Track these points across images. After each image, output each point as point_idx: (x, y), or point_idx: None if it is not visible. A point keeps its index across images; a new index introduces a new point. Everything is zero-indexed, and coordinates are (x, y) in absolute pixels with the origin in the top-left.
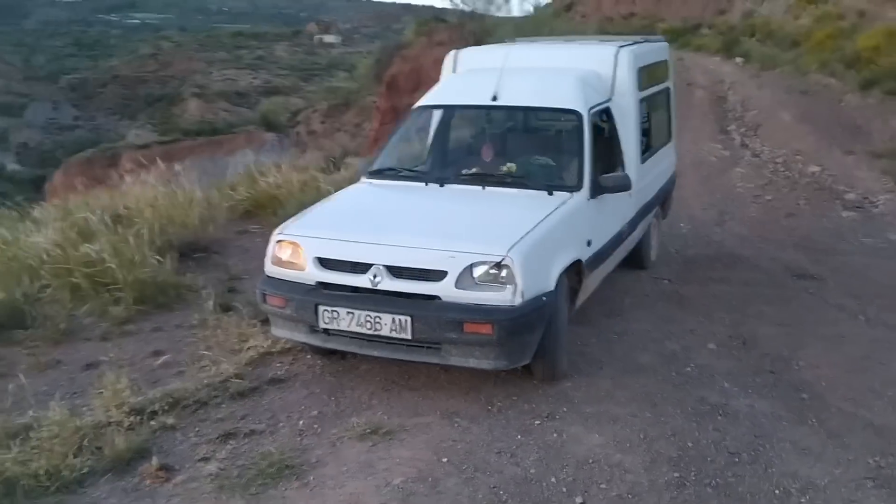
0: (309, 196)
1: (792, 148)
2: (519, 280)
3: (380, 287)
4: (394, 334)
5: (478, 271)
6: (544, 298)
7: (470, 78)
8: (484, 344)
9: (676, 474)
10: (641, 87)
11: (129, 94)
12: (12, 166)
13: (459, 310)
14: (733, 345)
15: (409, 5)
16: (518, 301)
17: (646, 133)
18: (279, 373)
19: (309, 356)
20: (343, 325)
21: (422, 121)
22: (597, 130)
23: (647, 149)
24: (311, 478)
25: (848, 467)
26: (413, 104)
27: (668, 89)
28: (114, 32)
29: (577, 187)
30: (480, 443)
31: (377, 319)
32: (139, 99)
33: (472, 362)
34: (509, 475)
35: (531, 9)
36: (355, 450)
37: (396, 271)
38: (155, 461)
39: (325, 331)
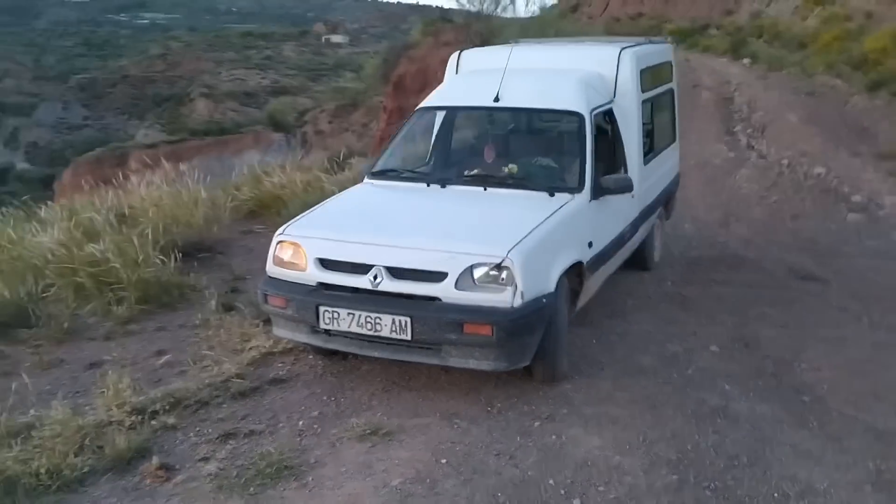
0: (313, 196)
1: (798, 149)
2: (519, 281)
3: (380, 288)
4: (394, 335)
5: (478, 272)
6: (544, 300)
7: (472, 79)
8: (483, 345)
9: (675, 477)
10: (644, 89)
11: (138, 93)
12: (22, 165)
13: (459, 311)
14: (735, 347)
15: (416, 5)
16: (518, 302)
17: (649, 134)
18: (281, 373)
19: (311, 356)
20: (343, 326)
21: (425, 122)
22: (599, 132)
23: (650, 150)
24: (310, 478)
25: (847, 471)
26: (420, 104)
27: (671, 91)
28: (123, 32)
29: (578, 189)
30: (479, 444)
31: (377, 320)
32: (148, 99)
33: (471, 363)
34: (507, 477)
35: (537, 10)
36: (354, 450)
37: (397, 272)
38: (155, 460)
39: (326, 331)
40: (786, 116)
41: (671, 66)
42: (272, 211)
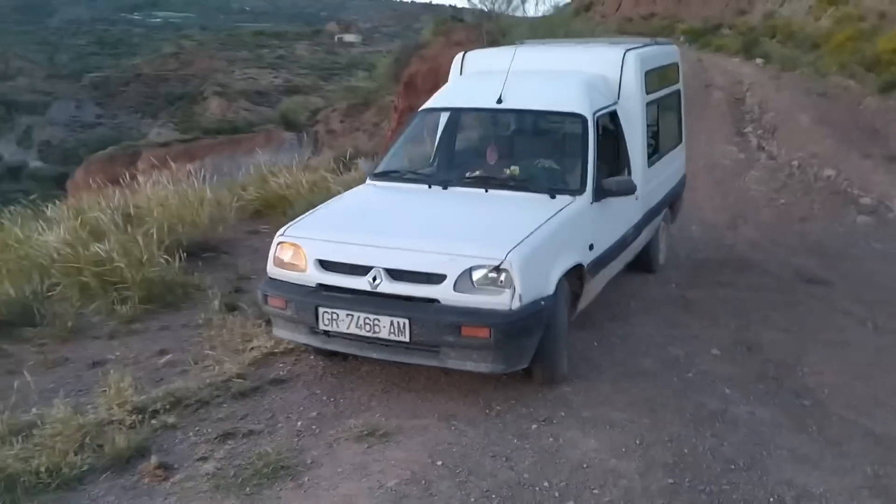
0: (318, 196)
1: (809, 151)
2: (517, 284)
3: (379, 289)
4: (392, 337)
5: (477, 275)
6: (543, 302)
7: (475, 81)
8: (481, 347)
9: (670, 480)
10: (649, 91)
11: (151, 92)
12: (35, 163)
13: (457, 313)
14: (737, 350)
15: (429, 4)
16: (516, 305)
17: (654, 136)
18: (281, 373)
19: (311, 357)
20: (342, 327)
21: (428, 123)
22: (602, 134)
23: (655, 152)
24: (306, 478)
25: (845, 476)
26: (422, 105)
27: (677, 92)
28: (136, 31)
29: (579, 191)
30: (476, 446)
31: (376, 321)
32: (161, 97)
33: (469, 365)
34: (503, 479)
35: (549, 9)
36: (351, 451)
37: (396, 274)
38: (154, 460)
39: (325, 332)
40: (797, 117)
41: (677, 67)
42: (277, 211)
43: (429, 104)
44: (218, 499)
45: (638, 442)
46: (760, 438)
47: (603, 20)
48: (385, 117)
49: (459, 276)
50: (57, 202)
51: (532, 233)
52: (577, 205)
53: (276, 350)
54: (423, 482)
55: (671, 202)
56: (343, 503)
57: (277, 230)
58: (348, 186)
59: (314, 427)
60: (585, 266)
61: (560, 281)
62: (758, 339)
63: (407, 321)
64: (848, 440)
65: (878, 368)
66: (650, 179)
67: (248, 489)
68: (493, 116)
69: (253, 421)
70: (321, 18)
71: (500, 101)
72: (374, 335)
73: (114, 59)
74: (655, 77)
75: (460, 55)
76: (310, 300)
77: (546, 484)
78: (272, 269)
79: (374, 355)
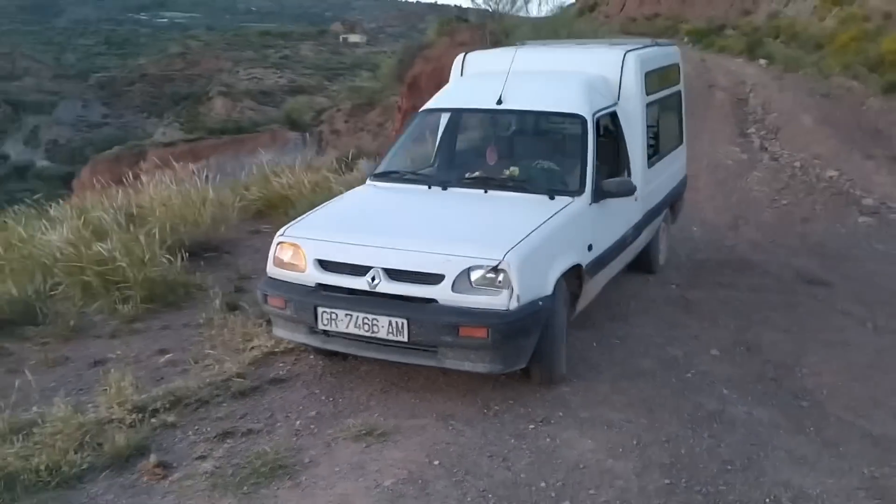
0: (320, 196)
1: (811, 152)
2: (515, 284)
3: (378, 289)
4: (390, 336)
5: (475, 275)
6: (541, 303)
7: (476, 81)
8: (479, 347)
9: (667, 481)
10: (649, 92)
11: (157, 92)
12: (42, 163)
13: (455, 313)
14: (736, 351)
15: (434, 4)
16: (514, 305)
17: (654, 137)
18: (281, 373)
19: (311, 357)
20: (341, 327)
21: (428, 124)
22: (602, 135)
23: (656, 153)
24: (304, 478)
25: (841, 477)
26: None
27: (678, 93)
28: (143, 31)
29: (578, 192)
30: (473, 446)
31: (374, 321)
32: (167, 97)
33: (467, 365)
34: (499, 479)
35: (553, 9)
36: (349, 451)
37: (394, 274)
38: (153, 458)
39: (325, 332)
40: (800, 118)
41: (678, 68)
42: (280, 211)
43: (429, 105)
44: (215, 497)
45: (635, 442)
46: (758, 439)
47: (607, 20)
48: (389, 117)
49: (457, 277)
50: (60, 201)
51: (530, 233)
52: (575, 205)
53: (277, 349)
54: (420, 482)
55: (672, 203)
56: (339, 502)
57: (279, 230)
58: (350, 187)
59: (313, 426)
60: (584, 266)
61: (558, 281)
62: (757, 340)
63: (405, 321)
64: (846, 441)
65: (877, 369)
66: (650, 180)
67: (245, 488)
68: (492, 117)
69: (252, 420)
70: (326, 19)
71: (500, 101)
72: (373, 335)
73: (120, 59)
74: (656, 78)
75: (461, 56)
76: (309, 300)
77: (542, 484)
78: (272, 269)
79: (373, 355)
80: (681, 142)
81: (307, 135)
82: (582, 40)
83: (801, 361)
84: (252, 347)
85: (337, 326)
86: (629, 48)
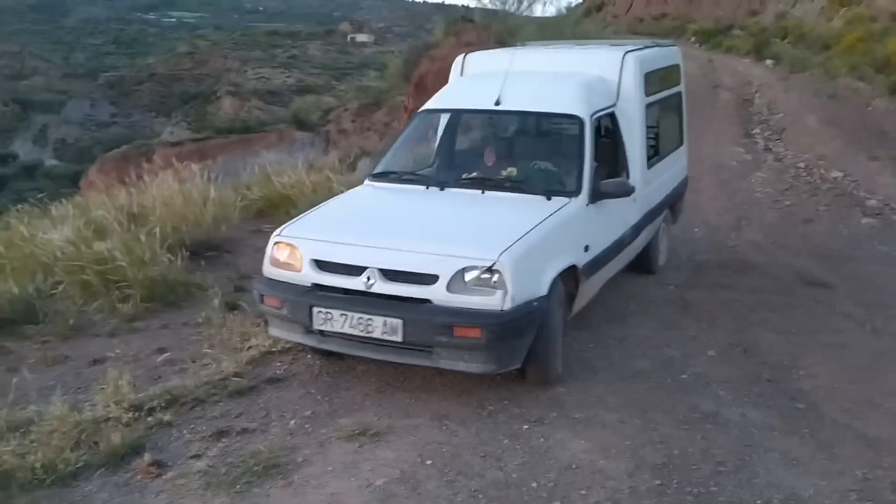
0: (321, 196)
1: (816, 152)
2: (509, 285)
3: (373, 290)
4: (385, 336)
5: (469, 275)
6: (535, 303)
7: (475, 82)
8: (473, 348)
9: (658, 482)
10: (648, 93)
11: (165, 91)
12: (50, 162)
13: (450, 313)
14: (734, 352)
15: (442, 4)
16: (508, 306)
17: (654, 138)
18: (278, 372)
19: (309, 356)
20: (336, 327)
21: (427, 124)
22: (601, 135)
23: (655, 154)
24: (296, 477)
25: (834, 479)
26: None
27: (679, 94)
28: (151, 31)
29: (575, 192)
30: (466, 446)
31: (369, 322)
32: (175, 96)
33: (461, 366)
34: (491, 479)
35: (562, 9)
36: (342, 450)
37: (390, 274)
38: (147, 457)
39: (320, 332)
40: (805, 119)
41: (679, 69)
42: (281, 211)
43: (428, 105)
44: (208, 496)
45: (628, 443)
46: (751, 441)
47: (614, 20)
48: (396, 117)
49: (452, 277)
50: (63, 201)
51: (525, 234)
52: (572, 206)
53: (274, 349)
54: (412, 481)
55: (672, 204)
56: (331, 502)
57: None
58: (351, 187)
59: (307, 426)
60: (580, 267)
61: (554, 282)
62: (755, 342)
63: (400, 321)
64: (840, 443)
65: (874, 371)
66: (650, 181)
67: (238, 487)
68: (491, 118)
69: (247, 419)
70: (334, 18)
71: (498, 102)
72: (368, 335)
73: (129, 58)
74: (655, 79)
75: (461, 57)
76: (304, 300)
77: (534, 484)
78: (268, 269)
79: (368, 355)
80: (681, 143)
81: (314, 134)
82: (582, 41)
83: (799, 363)
84: (250, 347)
85: (332, 326)
86: (629, 49)
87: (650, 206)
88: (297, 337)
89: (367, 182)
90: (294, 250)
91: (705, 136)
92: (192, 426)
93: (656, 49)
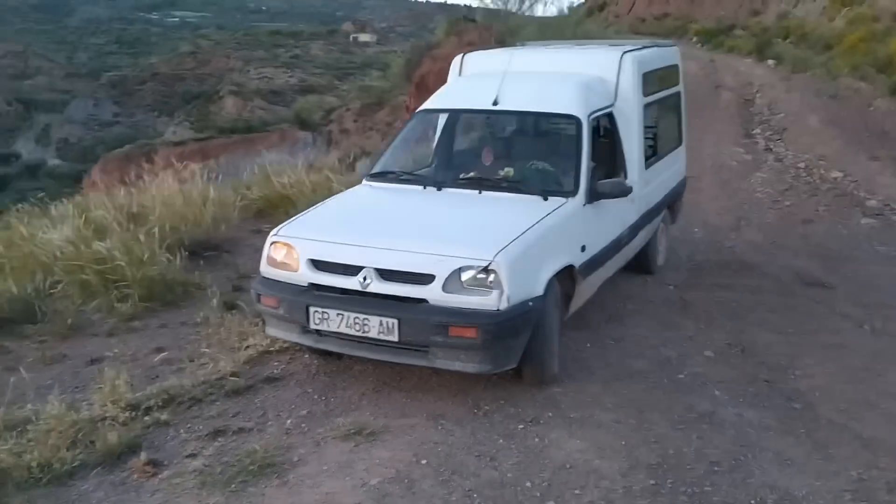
0: (321, 196)
1: (816, 153)
2: (505, 285)
3: (369, 289)
4: (381, 336)
5: (465, 275)
6: (531, 303)
7: (473, 82)
8: (469, 347)
9: (652, 482)
10: (647, 93)
11: (168, 91)
12: (53, 161)
13: (445, 313)
14: (731, 352)
15: (444, 4)
16: (504, 305)
17: (652, 138)
18: (275, 371)
19: (306, 356)
20: (333, 327)
21: (425, 124)
22: (598, 135)
23: (654, 154)
24: (291, 476)
25: (829, 479)
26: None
27: (678, 94)
28: (154, 30)
29: (572, 192)
30: (462, 445)
31: (365, 321)
32: (177, 96)
33: (457, 365)
34: (486, 478)
35: (562, 9)
36: (338, 449)
37: (386, 274)
38: (143, 456)
39: (317, 331)
40: (806, 119)
41: (677, 69)
42: (280, 210)
43: (426, 105)
44: (203, 495)
45: (623, 443)
46: (747, 441)
47: (616, 20)
48: (398, 117)
49: (448, 277)
50: (64, 200)
51: (521, 234)
52: (569, 206)
53: (272, 348)
54: (407, 481)
55: (671, 204)
56: (325, 501)
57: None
58: (351, 186)
59: (303, 425)
60: (577, 267)
61: (550, 282)
62: (752, 342)
63: (396, 321)
64: (836, 443)
65: (871, 372)
66: (648, 181)
67: (233, 486)
68: (489, 118)
69: (244, 418)
70: (337, 18)
71: (496, 102)
72: (364, 335)
73: (131, 58)
74: (654, 79)
75: (459, 56)
76: (301, 299)
77: (528, 484)
78: (265, 269)
79: (365, 355)
80: (680, 143)
81: (316, 134)
82: (581, 41)
83: (796, 363)
84: (248, 346)
85: (328, 326)
86: (627, 49)
87: (648, 207)
88: (294, 336)
89: (364, 182)
90: (291, 250)
91: (706, 136)
92: (188, 425)
93: (655, 49)
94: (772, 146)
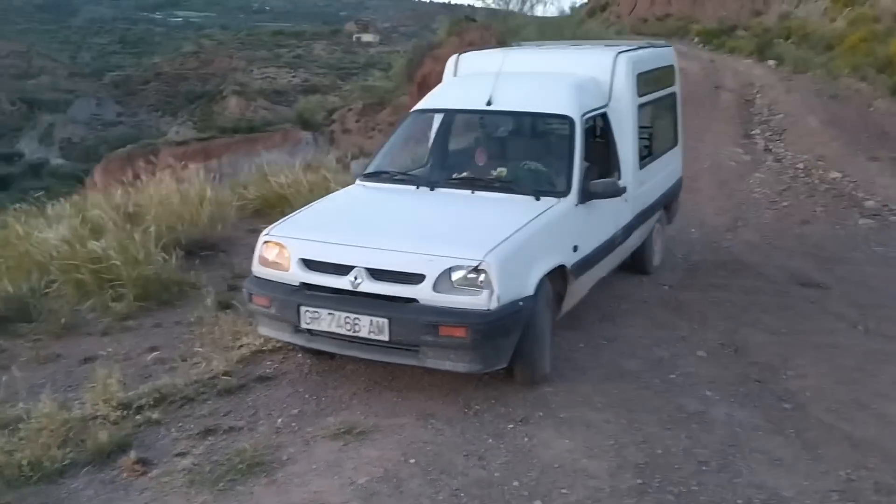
0: (318, 196)
1: (815, 153)
2: (495, 285)
3: (360, 289)
4: (372, 336)
5: (455, 275)
6: (521, 303)
7: (467, 82)
8: (459, 347)
9: (640, 481)
10: (641, 93)
11: (171, 91)
12: (56, 161)
13: (435, 313)
14: (724, 353)
15: (447, 4)
16: (494, 305)
17: (647, 138)
18: (268, 371)
19: (299, 355)
20: (324, 326)
21: (419, 124)
22: (592, 136)
23: (649, 154)
24: (280, 475)
25: (817, 479)
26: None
27: (673, 94)
28: (157, 30)
29: (564, 193)
30: (451, 445)
31: (356, 321)
32: (181, 96)
33: (447, 365)
34: (474, 478)
35: (563, 9)
36: (327, 449)
37: (377, 274)
38: (133, 455)
39: (308, 331)
40: (806, 119)
41: (673, 69)
42: (277, 210)
43: (420, 105)
44: (192, 494)
45: (612, 443)
46: (736, 440)
47: (618, 20)
48: (400, 117)
49: (439, 277)
50: (61, 199)
51: (512, 234)
52: (561, 206)
53: (265, 348)
54: (394, 480)
55: (667, 204)
56: (313, 500)
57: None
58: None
59: (294, 424)
60: (569, 267)
61: (541, 282)
62: (745, 342)
63: (386, 321)
64: (825, 444)
65: (864, 372)
66: (642, 181)
67: (221, 485)
68: (482, 118)
69: (235, 417)
70: (340, 18)
71: (489, 102)
72: (355, 334)
73: (135, 57)
74: (649, 79)
75: (454, 56)
76: (292, 299)
77: (516, 483)
78: (257, 268)
79: (356, 354)
80: (676, 143)
81: (319, 134)
82: (577, 41)
83: (788, 364)
84: (241, 346)
85: (319, 325)
86: (621, 49)
87: (643, 207)
88: (286, 336)
89: (358, 182)
90: (282, 249)
91: (705, 136)
92: (179, 424)
93: (650, 49)
94: (771, 147)
